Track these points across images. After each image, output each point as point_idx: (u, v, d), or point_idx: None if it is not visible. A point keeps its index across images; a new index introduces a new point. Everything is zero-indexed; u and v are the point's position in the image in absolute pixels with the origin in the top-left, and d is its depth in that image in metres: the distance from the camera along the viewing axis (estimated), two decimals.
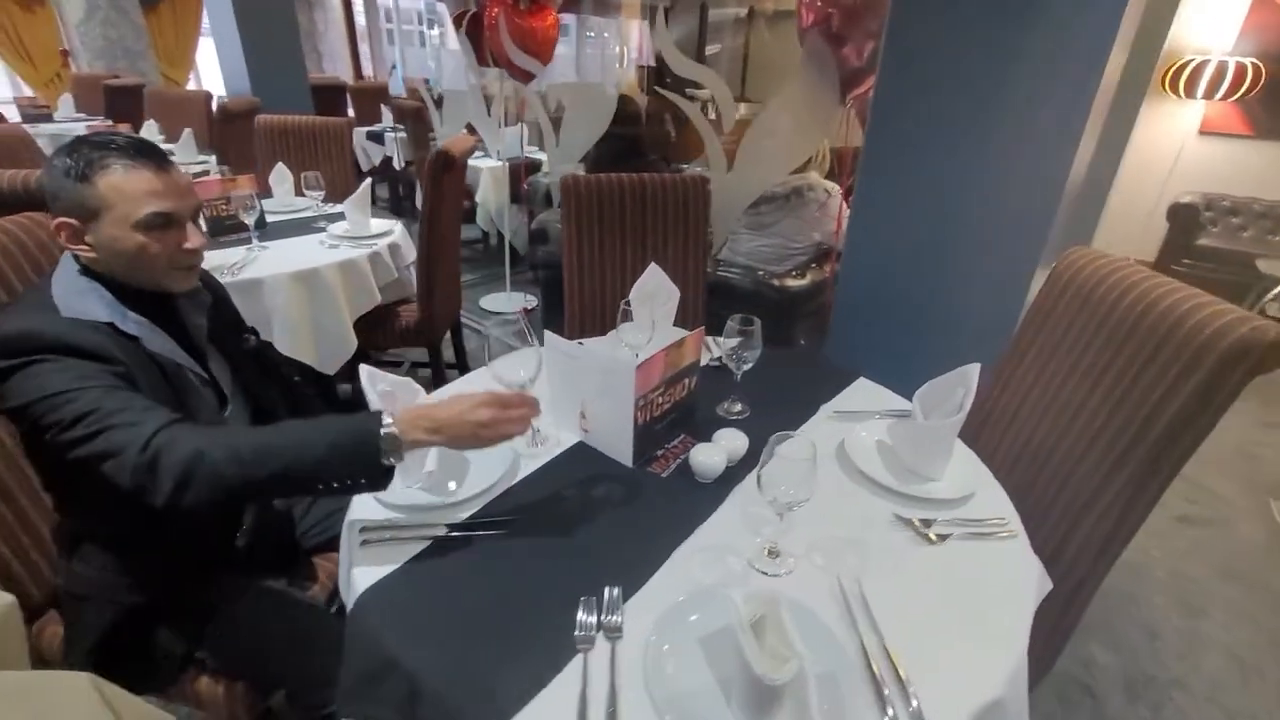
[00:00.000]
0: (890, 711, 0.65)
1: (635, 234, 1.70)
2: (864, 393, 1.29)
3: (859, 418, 1.19)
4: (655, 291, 1.41)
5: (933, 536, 0.90)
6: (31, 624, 1.03)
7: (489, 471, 0.96)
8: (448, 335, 2.52)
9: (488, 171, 3.90)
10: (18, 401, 0.80)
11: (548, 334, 1.05)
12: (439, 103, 3.74)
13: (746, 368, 1.17)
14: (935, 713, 0.65)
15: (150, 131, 3.71)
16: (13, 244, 1.04)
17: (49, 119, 4.53)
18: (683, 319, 1.65)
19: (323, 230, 2.20)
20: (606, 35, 7.12)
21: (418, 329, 2.24)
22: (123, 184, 0.88)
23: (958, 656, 0.72)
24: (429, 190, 2.05)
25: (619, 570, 0.80)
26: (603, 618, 0.73)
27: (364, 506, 0.91)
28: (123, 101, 4.36)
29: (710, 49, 6.15)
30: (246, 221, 2.00)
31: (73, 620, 1.00)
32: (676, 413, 1.11)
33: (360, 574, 0.79)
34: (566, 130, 3.02)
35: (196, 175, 2.59)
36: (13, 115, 4.72)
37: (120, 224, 0.88)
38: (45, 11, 5.60)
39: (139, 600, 0.97)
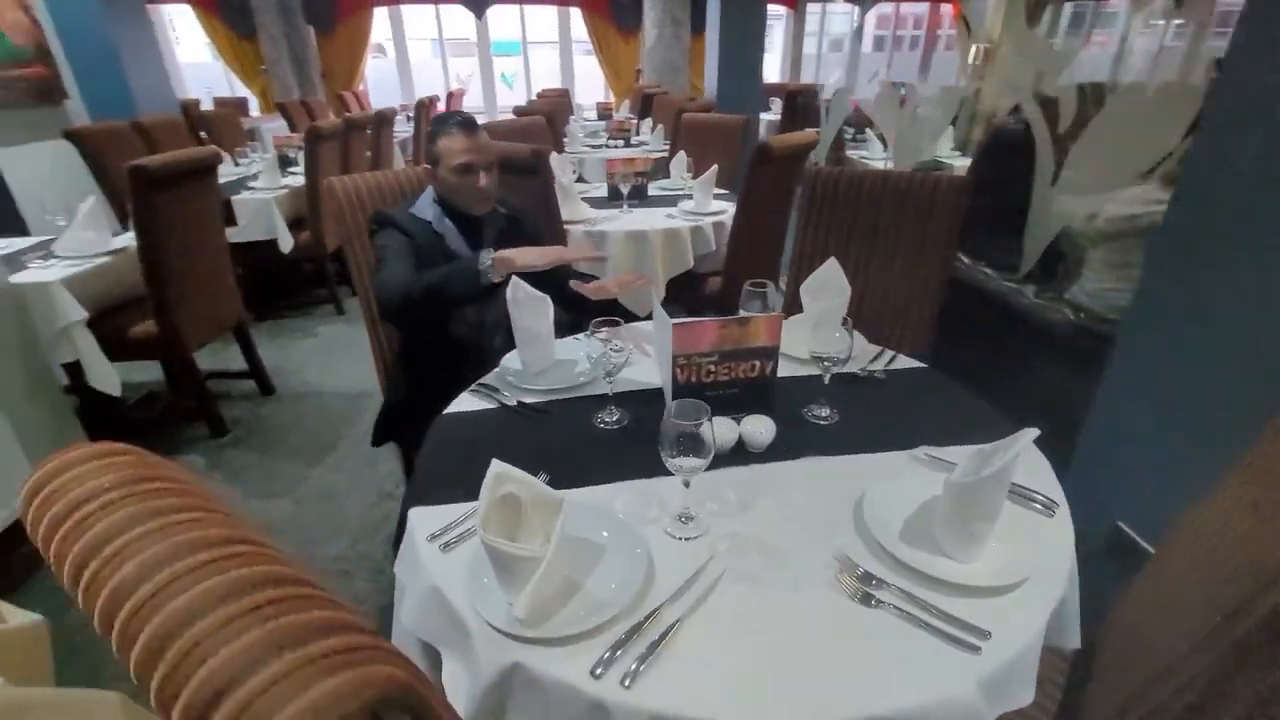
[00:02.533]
0: None
1: (866, 233, 1.58)
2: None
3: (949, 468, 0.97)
4: (826, 286, 1.37)
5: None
6: None
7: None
8: None
9: None
10: (374, 246, 1.49)
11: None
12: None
13: (835, 370, 1.09)
14: None
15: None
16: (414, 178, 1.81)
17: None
18: (904, 338, 1.52)
19: (675, 205, 2.71)
20: None
21: (720, 297, 2.55)
22: (448, 144, 1.46)
23: None
24: (748, 179, 2.30)
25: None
26: None
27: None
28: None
29: None
30: (622, 190, 2.65)
31: (386, 396, 1.74)
32: (742, 391, 1.14)
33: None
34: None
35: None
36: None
37: (445, 168, 1.48)
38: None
39: (405, 394, 1.62)
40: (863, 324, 1.61)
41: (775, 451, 1.04)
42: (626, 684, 0.66)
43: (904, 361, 1.33)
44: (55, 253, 2.30)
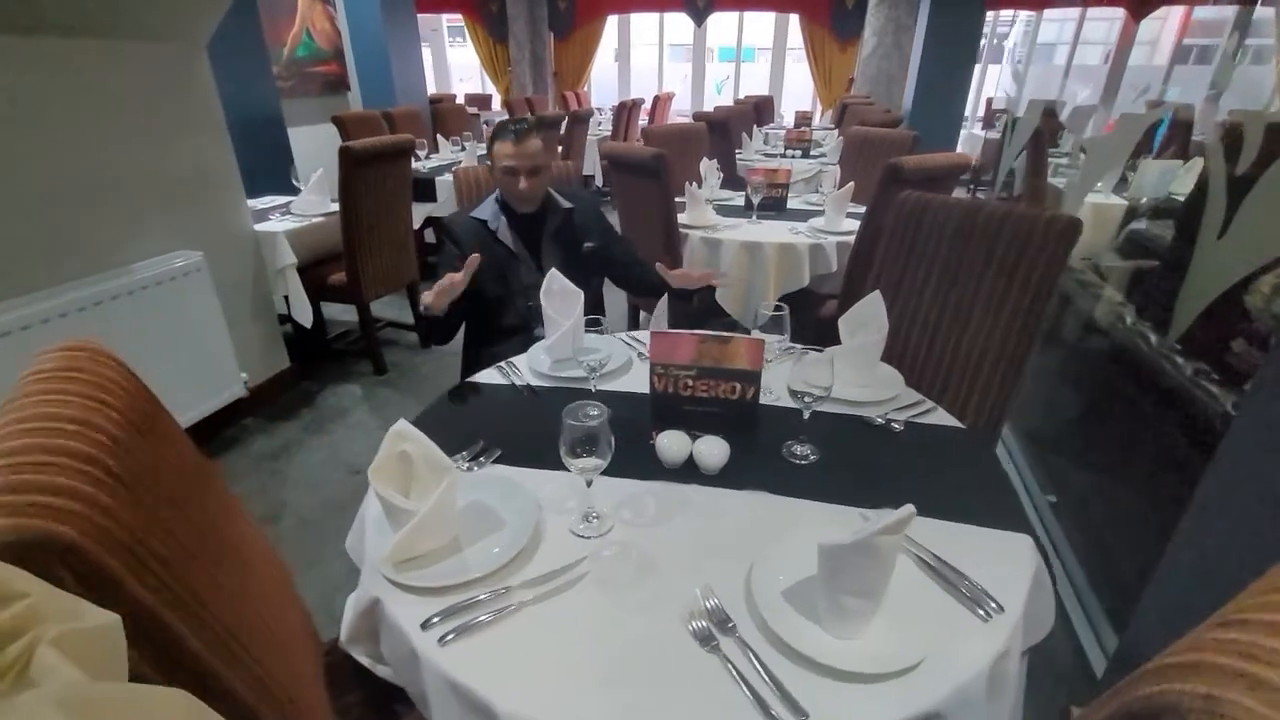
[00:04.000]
0: None
1: (947, 271, 1.38)
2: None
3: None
4: (865, 320, 1.26)
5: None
6: None
7: None
8: None
9: None
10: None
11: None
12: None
13: (815, 408, 1.02)
14: None
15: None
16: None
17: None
18: (969, 395, 1.33)
19: (807, 220, 2.60)
20: None
21: (832, 321, 2.40)
22: (499, 148, 1.61)
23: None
24: (874, 201, 2.13)
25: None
26: None
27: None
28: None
29: None
30: (753, 200, 2.62)
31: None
32: (723, 412, 1.11)
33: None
34: None
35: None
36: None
37: (496, 169, 1.63)
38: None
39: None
40: (921, 370, 1.44)
41: (725, 477, 1.00)
42: (441, 643, 0.72)
43: (938, 417, 1.17)
44: (290, 210, 2.94)
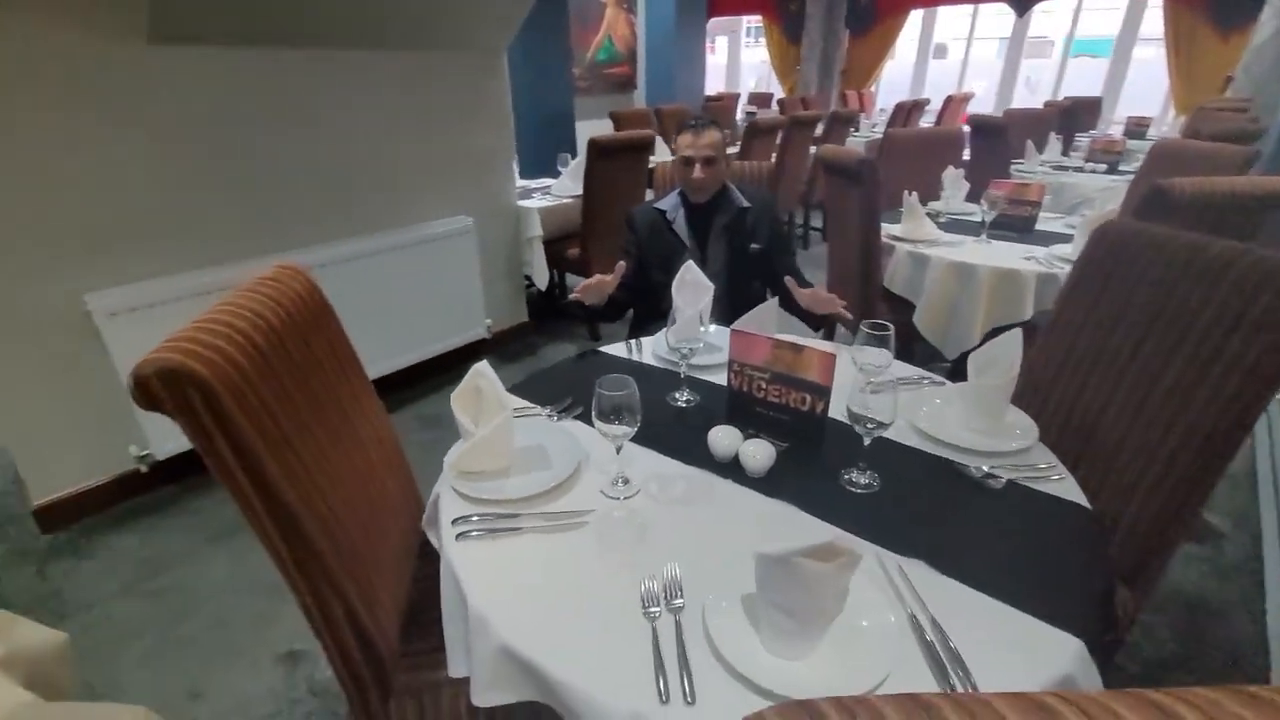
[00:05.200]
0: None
1: (1145, 318, 1.06)
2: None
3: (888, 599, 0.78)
4: (995, 359, 1.10)
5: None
6: None
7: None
8: None
9: None
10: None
11: None
12: None
13: (876, 433, 0.95)
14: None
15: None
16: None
17: None
18: (1138, 481, 1.08)
19: (1050, 246, 2.21)
20: None
21: None
22: (680, 139, 1.71)
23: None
24: None
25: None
26: None
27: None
28: None
29: None
30: (985, 217, 2.31)
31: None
32: (792, 421, 1.08)
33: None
34: None
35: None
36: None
37: (677, 160, 1.73)
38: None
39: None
40: (1078, 433, 1.18)
41: (767, 482, 1.00)
42: (457, 539, 0.90)
43: (1061, 488, 0.97)
44: (550, 191, 3.47)
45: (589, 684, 0.68)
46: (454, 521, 0.92)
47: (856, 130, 6.00)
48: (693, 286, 1.48)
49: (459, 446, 1.02)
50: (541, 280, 3.29)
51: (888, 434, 1.10)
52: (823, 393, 1.04)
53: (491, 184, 3.04)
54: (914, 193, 2.40)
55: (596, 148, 2.94)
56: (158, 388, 0.67)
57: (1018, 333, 1.09)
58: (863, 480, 1.00)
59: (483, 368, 1.03)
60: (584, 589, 0.81)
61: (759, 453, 1.01)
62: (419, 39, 2.50)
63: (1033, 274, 2.03)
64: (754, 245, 1.84)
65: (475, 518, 0.92)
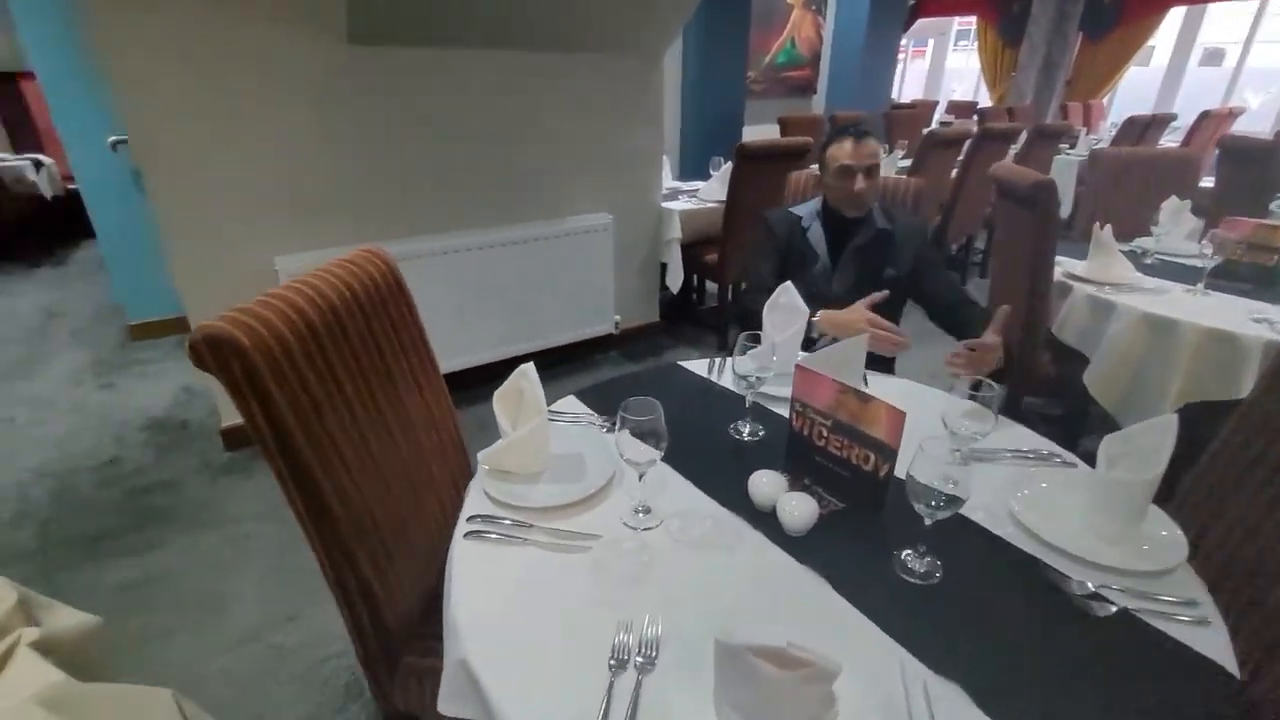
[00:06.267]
0: None
1: None
2: None
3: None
4: (1142, 449, 0.85)
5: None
6: None
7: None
8: None
9: None
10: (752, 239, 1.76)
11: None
12: None
13: (939, 515, 0.78)
14: None
15: None
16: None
17: None
18: None
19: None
20: None
21: None
22: (835, 149, 1.54)
23: None
24: None
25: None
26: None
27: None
28: None
29: None
30: (1205, 265, 1.85)
31: None
32: (852, 479, 0.94)
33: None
34: None
35: None
36: None
37: (829, 172, 1.57)
38: None
39: None
40: (1249, 569, 0.88)
41: (803, 542, 0.88)
42: (465, 536, 0.90)
43: (1202, 638, 0.73)
44: (697, 194, 3.42)
45: None
46: (469, 519, 0.93)
47: (1071, 148, 5.18)
48: (786, 311, 1.36)
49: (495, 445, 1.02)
50: (675, 283, 3.27)
51: (976, 516, 0.92)
52: (888, 454, 0.88)
53: (636, 184, 3.07)
54: (1107, 225, 2.00)
55: (744, 153, 2.84)
56: (204, 351, 0.75)
57: (1173, 419, 0.84)
58: (920, 567, 0.83)
59: (527, 369, 1.03)
60: (558, 620, 0.77)
61: (799, 509, 0.89)
62: (580, 41, 2.59)
63: (1259, 341, 1.58)
64: (890, 271, 1.65)
65: (490, 519, 0.92)
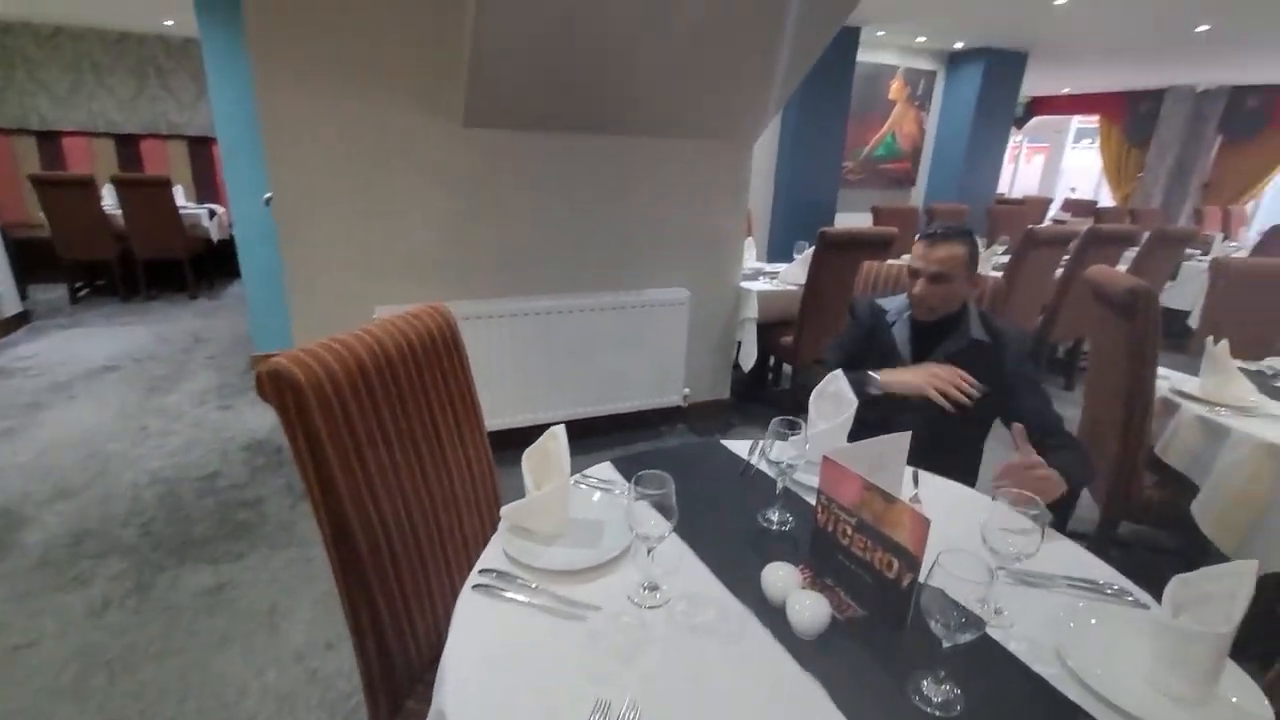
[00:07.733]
0: None
1: None
2: None
3: None
4: (1213, 598, 0.75)
5: None
6: None
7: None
8: None
9: None
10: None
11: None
12: None
13: (958, 638, 0.72)
14: None
15: None
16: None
17: None
18: None
19: None
20: None
21: None
22: (914, 247, 1.52)
23: None
24: None
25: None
26: None
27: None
28: None
29: None
30: None
31: None
32: (873, 585, 0.88)
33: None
34: None
35: None
36: None
37: (907, 268, 1.56)
38: None
39: None
40: None
41: (811, 646, 0.82)
42: (472, 587, 0.92)
43: None
44: (778, 277, 3.45)
45: None
46: (481, 571, 0.95)
47: (1204, 254, 4.77)
48: (834, 399, 1.32)
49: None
50: (747, 362, 3.26)
51: (1015, 647, 0.83)
52: (912, 563, 0.82)
53: (716, 263, 3.14)
54: (1223, 340, 1.81)
55: (826, 239, 2.85)
56: (266, 382, 0.84)
57: (1253, 564, 0.73)
58: (937, 695, 0.75)
59: (557, 431, 1.06)
60: (538, 687, 0.76)
61: (810, 610, 0.84)
62: (679, 129, 2.76)
63: None
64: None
65: (501, 574, 0.94)
